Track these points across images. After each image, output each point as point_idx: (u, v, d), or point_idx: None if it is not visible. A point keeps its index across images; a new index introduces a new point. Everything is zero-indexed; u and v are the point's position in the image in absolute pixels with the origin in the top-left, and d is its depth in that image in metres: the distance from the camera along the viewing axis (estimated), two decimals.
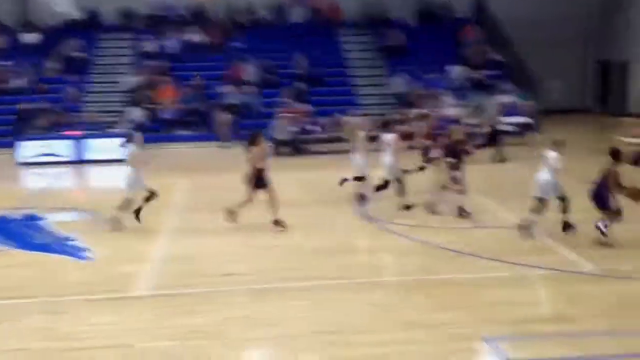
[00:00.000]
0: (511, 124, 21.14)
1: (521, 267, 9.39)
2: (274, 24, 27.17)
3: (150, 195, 11.68)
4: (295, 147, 20.39)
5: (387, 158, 12.72)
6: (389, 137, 12.89)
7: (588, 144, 18.64)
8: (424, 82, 23.47)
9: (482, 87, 23.34)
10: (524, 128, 21.27)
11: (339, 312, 7.99)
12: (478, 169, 16.72)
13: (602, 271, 9.10)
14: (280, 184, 11.95)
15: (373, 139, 13.93)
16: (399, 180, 12.74)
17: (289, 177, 16.81)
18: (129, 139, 12.87)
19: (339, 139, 18.90)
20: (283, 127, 20.53)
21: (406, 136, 14.19)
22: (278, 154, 19.58)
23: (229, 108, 22.46)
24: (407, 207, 12.59)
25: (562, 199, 10.69)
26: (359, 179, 13.22)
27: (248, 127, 18.76)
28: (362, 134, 13.73)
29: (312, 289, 8.79)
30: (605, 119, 24.94)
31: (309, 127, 20.92)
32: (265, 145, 12.19)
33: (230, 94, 23.30)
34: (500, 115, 20.13)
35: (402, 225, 11.75)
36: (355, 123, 14.13)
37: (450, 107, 21.41)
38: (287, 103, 22.16)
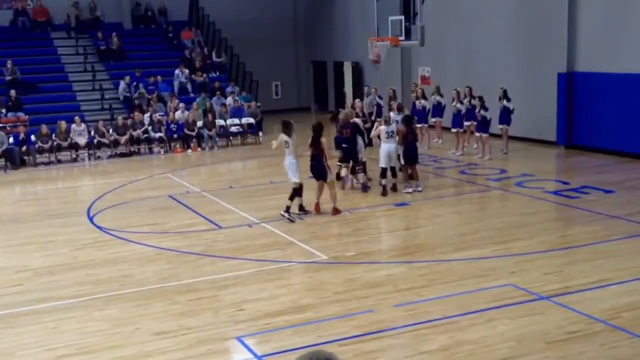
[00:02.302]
0: (236, 124, 21.68)
1: (260, 263, 9.70)
2: None
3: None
4: (12, 159, 18.73)
5: None
6: None
7: None
8: (147, 85, 23.06)
9: (207, 89, 23.53)
10: (250, 128, 21.94)
11: (77, 332, 7.55)
12: (204, 170, 16.96)
13: (331, 259, 9.77)
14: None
15: None
16: None
17: (11, 192, 15.71)
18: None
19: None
20: None
21: None
22: None
23: None
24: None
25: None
26: None
27: None
28: None
29: (44, 311, 8.22)
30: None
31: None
32: None
33: None
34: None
35: (136, 233, 11.48)
36: None
37: (178, 110, 21.27)
38: None
